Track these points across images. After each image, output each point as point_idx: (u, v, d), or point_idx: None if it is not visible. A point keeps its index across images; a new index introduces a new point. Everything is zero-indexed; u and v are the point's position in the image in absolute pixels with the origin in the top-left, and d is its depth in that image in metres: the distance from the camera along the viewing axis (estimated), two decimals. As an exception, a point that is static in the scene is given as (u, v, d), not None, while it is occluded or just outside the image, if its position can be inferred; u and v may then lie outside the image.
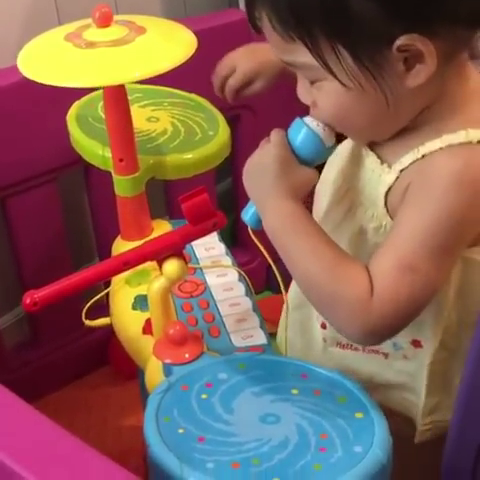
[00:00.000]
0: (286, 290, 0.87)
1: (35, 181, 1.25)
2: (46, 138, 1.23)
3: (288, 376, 0.80)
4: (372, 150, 0.79)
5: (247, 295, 0.97)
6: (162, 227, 1.06)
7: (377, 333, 0.73)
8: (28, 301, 0.80)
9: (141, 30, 0.94)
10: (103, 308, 1.05)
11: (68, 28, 0.95)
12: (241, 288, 0.98)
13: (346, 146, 0.84)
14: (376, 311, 0.71)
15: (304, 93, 0.77)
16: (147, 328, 0.91)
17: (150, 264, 0.96)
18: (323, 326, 0.87)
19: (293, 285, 0.87)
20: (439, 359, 0.82)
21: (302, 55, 0.72)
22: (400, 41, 0.69)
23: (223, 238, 1.06)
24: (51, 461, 0.64)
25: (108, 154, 1.03)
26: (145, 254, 0.82)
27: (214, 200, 1.35)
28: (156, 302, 0.85)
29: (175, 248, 0.82)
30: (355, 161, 0.82)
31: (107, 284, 1.03)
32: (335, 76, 0.72)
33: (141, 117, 1.09)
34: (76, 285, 0.82)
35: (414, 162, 0.74)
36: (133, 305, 0.96)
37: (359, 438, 0.72)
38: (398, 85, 0.72)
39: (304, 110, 0.80)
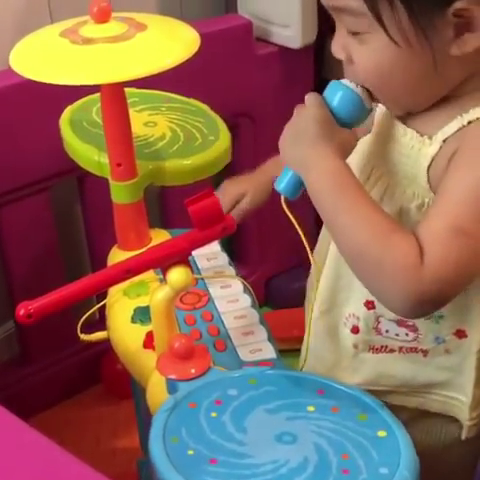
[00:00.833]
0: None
1: (27, 190, 1.22)
2: (38, 146, 1.21)
3: (303, 392, 0.75)
4: (406, 125, 0.77)
5: (253, 307, 0.92)
6: (161, 236, 1.01)
7: (428, 301, 0.69)
8: (22, 312, 0.75)
9: (141, 27, 0.89)
10: (96, 324, 1.00)
11: (63, 25, 0.91)
12: (247, 300, 0.93)
13: (368, 138, 0.81)
14: (428, 276, 0.67)
15: (340, 48, 0.75)
16: (148, 342, 0.86)
17: (149, 275, 0.91)
18: (354, 331, 0.82)
19: (320, 290, 0.83)
20: None
21: (355, 1, 0.70)
22: (459, 4, 0.67)
23: (220, 251, 1.02)
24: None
25: (104, 159, 0.99)
26: (149, 261, 0.77)
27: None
28: (160, 313, 0.80)
29: (181, 255, 0.77)
30: (384, 142, 0.79)
31: (99, 297, 0.98)
32: (385, 28, 0.69)
33: (138, 122, 1.05)
34: (74, 295, 0.76)
35: (459, 130, 0.72)
36: (132, 318, 0.91)
37: (384, 458, 0.67)
38: (444, 50, 0.70)
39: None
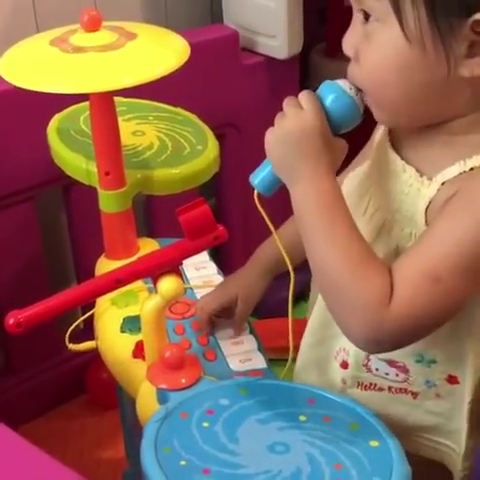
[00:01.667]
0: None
1: (12, 199, 1.21)
2: (23, 154, 1.19)
3: (294, 402, 0.75)
4: (408, 163, 0.74)
5: (242, 316, 0.92)
6: (149, 245, 1.01)
7: (386, 341, 0.68)
8: (11, 321, 0.74)
9: (132, 36, 0.89)
10: (81, 333, 1.00)
11: (53, 33, 0.90)
12: (236, 309, 0.92)
13: (365, 167, 0.79)
14: (391, 317, 0.66)
15: (350, 45, 0.71)
16: (138, 351, 0.85)
17: (137, 285, 0.91)
18: (343, 365, 0.80)
19: (311, 321, 0.82)
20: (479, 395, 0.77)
21: None
22: (478, 16, 0.64)
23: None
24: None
25: (93, 168, 0.98)
26: (139, 271, 0.77)
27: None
28: (150, 323, 0.79)
29: (172, 264, 0.76)
30: (382, 174, 0.76)
31: (85, 307, 0.97)
32: (400, 21, 0.66)
33: (126, 131, 1.04)
34: (64, 304, 0.76)
35: (460, 174, 0.70)
36: (122, 327, 0.90)
37: (376, 468, 0.67)
38: (455, 65, 0.67)
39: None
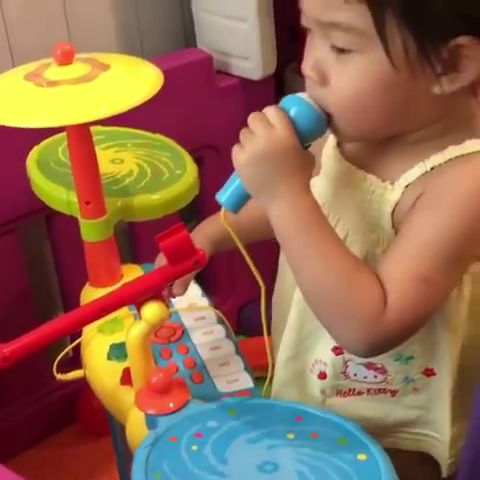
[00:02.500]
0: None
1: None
2: (4, 188, 1.19)
3: (282, 420, 0.75)
4: (367, 172, 0.75)
5: (228, 337, 0.93)
6: (133, 271, 1.02)
7: (386, 344, 0.71)
8: (-2, 356, 0.75)
9: (104, 67, 0.90)
10: (69, 362, 1.00)
11: (27, 68, 0.91)
12: (221, 331, 0.93)
13: (321, 181, 0.79)
14: (387, 320, 0.68)
15: (312, 64, 0.70)
16: (125, 378, 0.86)
17: (123, 312, 0.91)
18: (321, 376, 0.81)
19: (285, 338, 0.83)
20: (459, 384, 0.78)
21: (357, 17, 0.66)
22: (463, 40, 0.66)
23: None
24: None
25: (73, 198, 0.99)
26: (123, 298, 0.77)
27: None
28: (136, 349, 0.80)
29: (155, 290, 0.77)
30: (338, 187, 0.78)
31: (73, 335, 0.97)
32: (386, 46, 0.66)
33: (105, 159, 1.05)
34: (49, 336, 0.76)
35: (422, 175, 0.72)
36: (108, 355, 0.91)
37: (365, 481, 0.67)
38: (429, 84, 0.68)
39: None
